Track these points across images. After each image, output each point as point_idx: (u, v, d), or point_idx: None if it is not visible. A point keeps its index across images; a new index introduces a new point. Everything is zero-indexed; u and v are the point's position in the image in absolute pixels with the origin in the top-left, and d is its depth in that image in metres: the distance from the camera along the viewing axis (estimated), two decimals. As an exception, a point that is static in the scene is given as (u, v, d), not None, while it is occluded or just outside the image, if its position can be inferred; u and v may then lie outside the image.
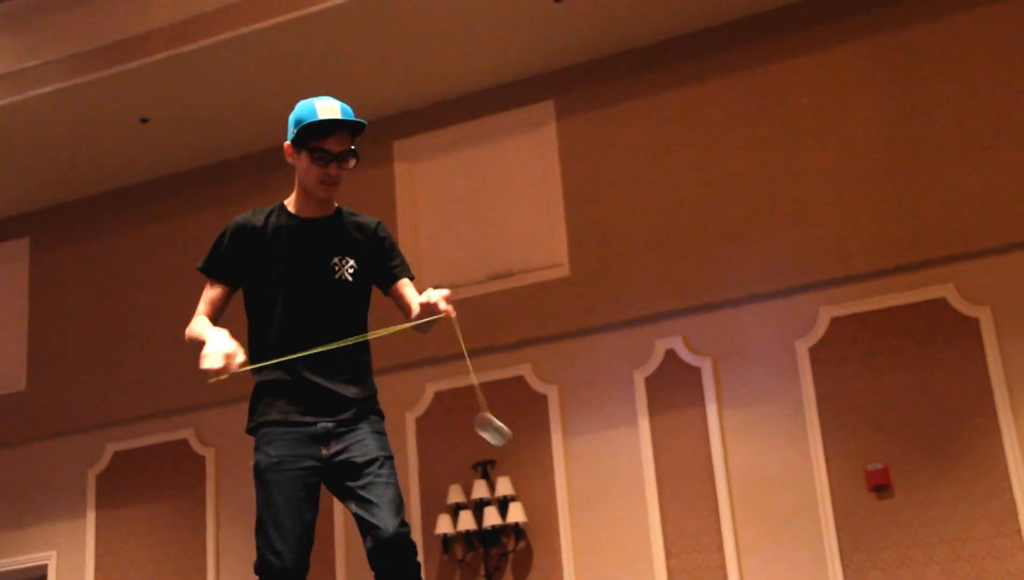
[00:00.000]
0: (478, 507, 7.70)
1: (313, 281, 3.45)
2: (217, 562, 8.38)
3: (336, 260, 3.47)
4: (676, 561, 7.26)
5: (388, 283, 3.54)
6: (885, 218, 7.34)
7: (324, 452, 3.35)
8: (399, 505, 3.29)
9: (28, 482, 9.11)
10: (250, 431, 3.54)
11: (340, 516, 7.92)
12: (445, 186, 8.51)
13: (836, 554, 6.93)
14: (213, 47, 7.77)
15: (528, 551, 7.62)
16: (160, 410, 8.86)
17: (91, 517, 8.83)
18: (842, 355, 7.22)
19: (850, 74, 7.62)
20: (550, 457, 7.70)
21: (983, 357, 6.90)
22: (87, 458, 8.97)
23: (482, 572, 7.67)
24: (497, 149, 8.43)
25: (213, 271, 3.63)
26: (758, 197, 7.65)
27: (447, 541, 7.73)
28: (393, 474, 3.35)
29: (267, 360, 3.42)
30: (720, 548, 7.19)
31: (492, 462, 7.80)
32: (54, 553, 8.90)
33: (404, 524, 3.27)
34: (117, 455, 8.92)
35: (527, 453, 7.77)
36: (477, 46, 8.00)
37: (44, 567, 8.90)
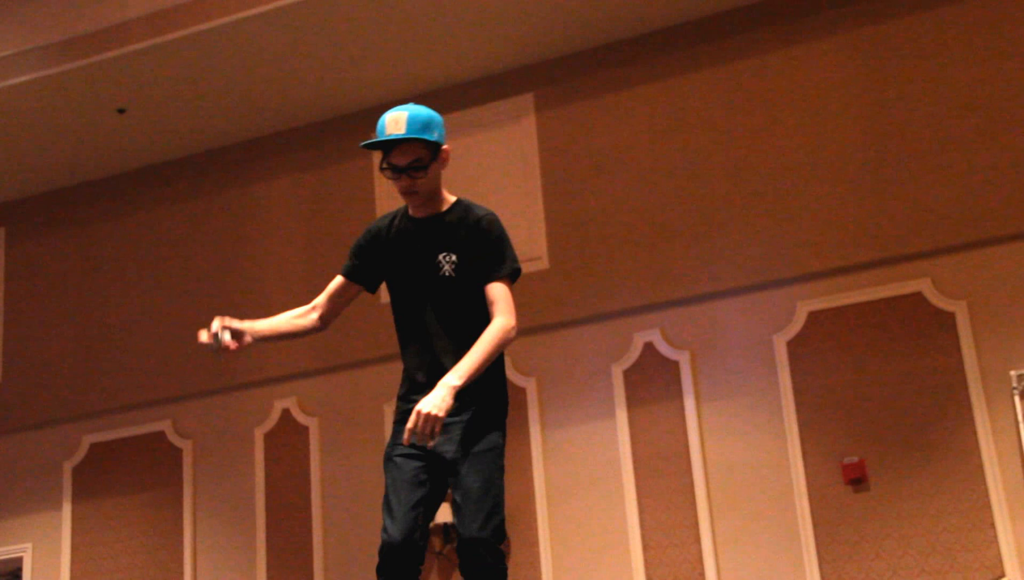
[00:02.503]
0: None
1: (419, 279, 3.53)
2: (194, 554, 8.35)
3: (441, 257, 3.51)
4: (653, 553, 7.29)
5: (480, 281, 3.51)
6: (862, 213, 7.37)
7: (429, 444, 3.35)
8: (482, 506, 3.32)
9: (3, 474, 9.06)
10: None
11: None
12: (424, 178, 8.49)
13: (812, 546, 6.97)
14: (191, 37, 7.73)
15: (506, 543, 7.63)
16: (137, 402, 8.83)
17: (67, 509, 8.79)
18: (819, 349, 7.25)
19: (827, 69, 7.65)
20: (528, 450, 7.71)
21: (959, 351, 6.95)
22: (63, 450, 8.93)
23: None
24: (476, 142, 8.42)
25: (349, 272, 3.71)
26: (736, 191, 7.67)
27: (425, 533, 7.72)
28: (483, 469, 3.37)
29: (405, 359, 3.56)
30: (697, 540, 7.22)
31: (470, 455, 7.80)
32: (29, 545, 8.86)
33: (482, 529, 3.31)
34: (94, 447, 8.89)
35: (505, 445, 7.76)
36: (457, 39, 7.98)
37: (19, 559, 8.86)
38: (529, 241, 8.09)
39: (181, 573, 8.33)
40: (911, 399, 6.99)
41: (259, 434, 8.43)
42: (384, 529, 3.39)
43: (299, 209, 8.67)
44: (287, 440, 8.38)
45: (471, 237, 3.51)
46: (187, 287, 8.89)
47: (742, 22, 7.88)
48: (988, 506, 6.69)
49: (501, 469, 3.45)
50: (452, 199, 3.61)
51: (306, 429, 8.35)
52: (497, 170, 8.33)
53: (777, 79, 7.75)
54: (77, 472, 8.87)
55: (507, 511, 8.07)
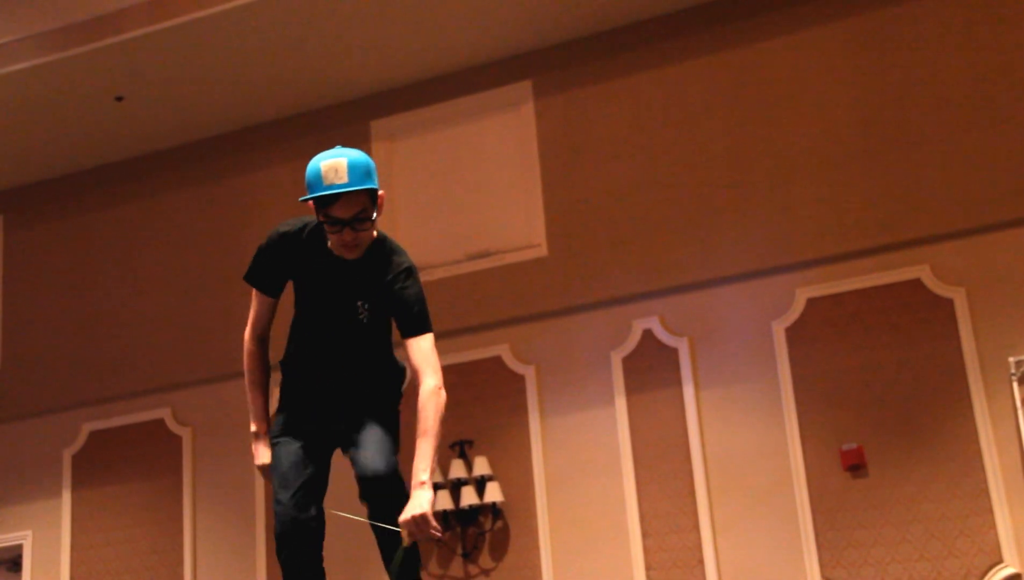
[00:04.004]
0: (455, 486, 7.72)
1: (336, 320, 3.52)
2: (194, 541, 8.36)
3: (360, 303, 3.50)
4: (652, 540, 7.30)
5: (401, 334, 3.54)
6: (861, 199, 7.37)
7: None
8: (382, 447, 3.44)
9: (3, 462, 9.07)
10: None
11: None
12: (423, 166, 8.49)
13: (811, 533, 6.98)
14: (189, 25, 7.71)
15: (505, 530, 7.65)
16: (136, 390, 8.83)
17: (67, 497, 8.80)
18: (818, 335, 7.26)
19: (827, 55, 7.64)
20: (527, 437, 7.72)
21: (957, 337, 6.95)
22: (63, 438, 8.93)
23: (459, 551, 7.70)
24: (475, 129, 8.41)
25: (255, 280, 3.63)
26: (735, 178, 7.67)
27: (424, 520, 7.73)
28: (378, 426, 3.49)
29: (291, 365, 3.64)
30: (696, 527, 7.23)
31: (470, 442, 7.82)
32: (29, 532, 8.87)
33: (388, 465, 3.41)
34: (93, 435, 8.89)
35: (504, 433, 7.78)
36: (455, 25, 7.97)
37: (19, 546, 8.87)
38: (528, 228, 8.09)
39: (181, 560, 8.34)
40: (910, 386, 7.00)
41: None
42: (276, 514, 3.50)
43: (298, 196, 8.63)
44: (286, 428, 8.38)
45: (393, 287, 3.46)
46: (186, 275, 8.88)
47: (741, 9, 7.87)
48: (986, 492, 6.70)
49: (395, 436, 3.54)
50: (373, 235, 3.50)
51: (305, 416, 8.34)
52: (496, 157, 8.32)
53: (776, 66, 7.74)
54: (77, 460, 8.87)
55: (506, 497, 8.12)
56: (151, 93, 8.42)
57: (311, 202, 3.38)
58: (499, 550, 7.64)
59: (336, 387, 3.56)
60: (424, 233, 8.30)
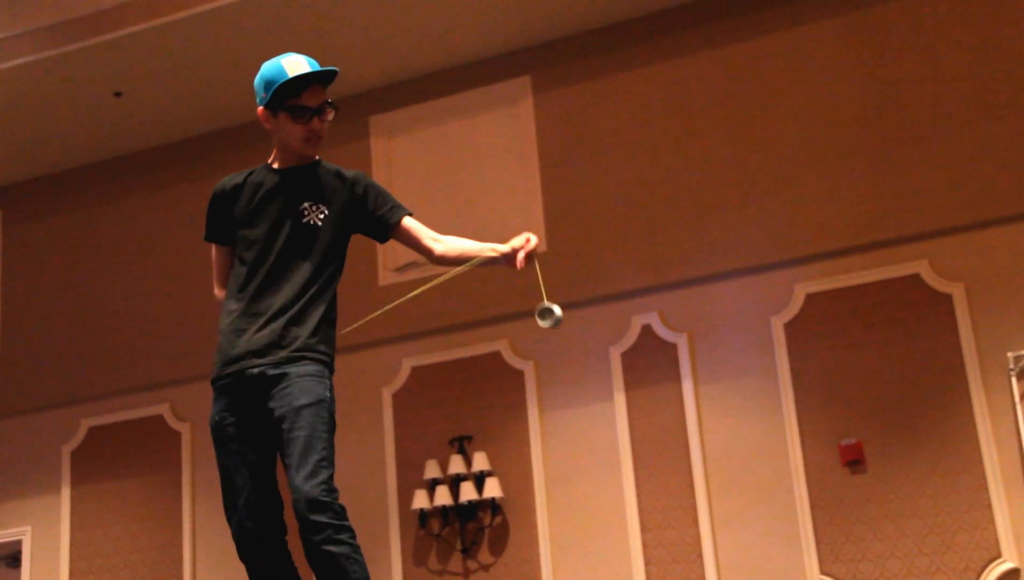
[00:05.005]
0: (455, 482, 7.72)
1: (279, 225, 3.39)
2: (193, 537, 8.37)
3: (307, 205, 3.42)
4: (651, 535, 7.31)
5: (388, 229, 3.48)
6: (860, 195, 7.37)
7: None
8: (306, 458, 3.09)
9: (2, 458, 9.06)
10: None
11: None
12: (421, 162, 8.48)
13: (810, 528, 6.99)
14: (188, 20, 7.70)
15: (504, 526, 7.65)
16: (135, 385, 8.83)
17: (66, 492, 8.80)
18: (817, 331, 7.26)
19: (826, 51, 7.63)
20: (526, 432, 7.72)
21: (956, 333, 6.96)
22: (62, 434, 8.93)
23: (458, 547, 7.70)
24: (473, 125, 8.41)
25: (209, 235, 3.57)
26: (734, 174, 7.67)
27: (424, 516, 7.75)
28: (307, 423, 3.15)
29: (230, 302, 3.38)
30: (695, 522, 7.24)
31: (469, 437, 7.82)
32: (29, 528, 8.87)
33: (309, 480, 3.06)
34: (92, 430, 8.89)
35: (503, 428, 7.79)
36: (454, 21, 7.96)
37: (19, 542, 8.88)
38: (527, 224, 8.08)
39: (180, 555, 8.35)
40: (909, 381, 7.00)
41: (257, 417, 8.44)
42: (228, 520, 3.35)
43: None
44: (285, 423, 8.38)
45: (351, 194, 3.44)
46: (185, 270, 8.87)
47: (740, 5, 7.86)
48: (985, 487, 6.70)
49: (326, 422, 3.20)
50: (315, 156, 3.53)
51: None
52: (494, 153, 8.32)
53: (775, 61, 7.73)
54: (76, 456, 8.87)
55: (505, 493, 8.11)
56: (150, 89, 8.41)
57: (273, 100, 3.38)
58: (498, 545, 7.64)
59: (274, 308, 3.30)
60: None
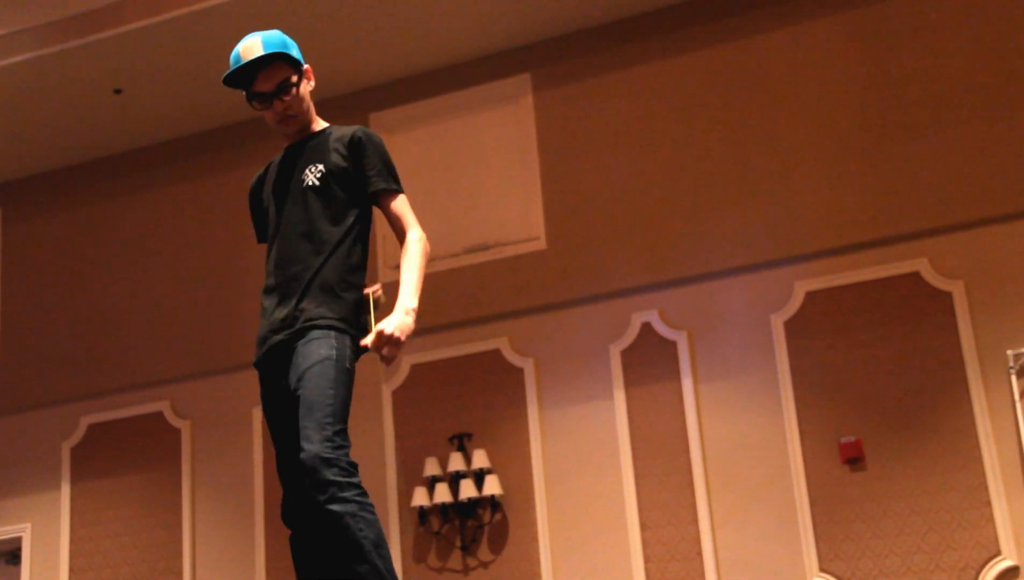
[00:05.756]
0: (454, 479, 7.72)
1: (283, 197, 3.39)
2: (193, 534, 8.37)
3: (308, 169, 3.39)
4: (651, 533, 7.31)
5: (369, 194, 3.37)
6: (860, 193, 7.37)
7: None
8: (310, 417, 3.01)
9: (2, 455, 9.06)
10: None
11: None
12: (421, 159, 8.48)
13: (809, 526, 6.99)
14: (188, 16, 7.70)
15: (504, 523, 7.66)
16: (135, 383, 8.83)
17: (66, 490, 8.80)
18: (817, 329, 7.26)
19: (825, 48, 7.64)
20: (526, 430, 7.72)
21: (956, 331, 6.96)
22: (62, 431, 8.93)
23: (458, 544, 7.70)
24: (474, 122, 8.41)
25: (259, 237, 3.58)
26: (734, 171, 7.67)
27: (423, 513, 7.75)
28: (310, 383, 3.09)
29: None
30: (695, 520, 7.24)
31: (468, 435, 7.82)
32: (28, 525, 8.87)
33: (311, 441, 2.96)
34: (92, 428, 8.89)
35: (503, 426, 7.79)
36: (454, 18, 7.96)
37: (18, 539, 8.88)
38: (526, 221, 8.09)
39: (180, 553, 8.35)
40: (908, 379, 7.01)
41: (256, 414, 8.43)
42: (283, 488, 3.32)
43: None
44: (285, 420, 8.38)
45: (346, 149, 3.37)
46: (185, 268, 8.88)
47: (740, 2, 7.87)
48: (984, 485, 6.71)
49: (332, 378, 3.10)
50: (325, 124, 3.52)
51: (304, 409, 8.34)
52: (494, 151, 8.32)
53: (775, 59, 7.74)
54: (76, 453, 8.87)
55: (505, 490, 8.10)
56: (150, 86, 8.41)
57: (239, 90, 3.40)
58: (498, 543, 7.65)
59: (290, 275, 3.28)
60: (423, 226, 8.27)
